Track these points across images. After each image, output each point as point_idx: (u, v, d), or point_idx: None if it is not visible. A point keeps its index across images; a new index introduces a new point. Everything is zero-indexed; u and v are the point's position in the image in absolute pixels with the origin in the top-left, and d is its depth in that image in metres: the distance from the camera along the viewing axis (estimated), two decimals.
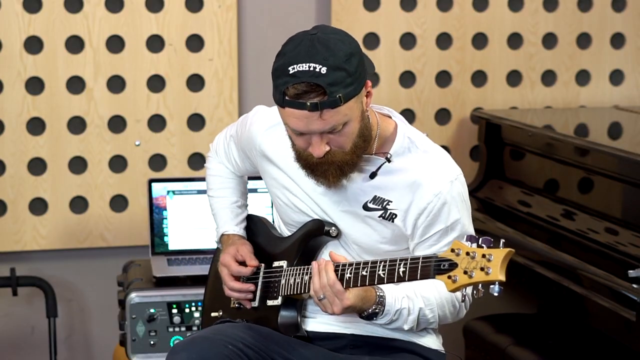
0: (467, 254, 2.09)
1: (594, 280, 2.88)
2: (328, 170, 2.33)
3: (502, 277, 2.05)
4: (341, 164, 2.32)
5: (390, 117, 2.46)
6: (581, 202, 3.25)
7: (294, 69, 2.21)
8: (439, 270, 2.13)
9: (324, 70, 2.20)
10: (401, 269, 2.21)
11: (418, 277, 2.18)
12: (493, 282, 2.06)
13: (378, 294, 2.35)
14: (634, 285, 2.74)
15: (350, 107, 2.25)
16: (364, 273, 2.27)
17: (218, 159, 2.76)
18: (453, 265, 2.10)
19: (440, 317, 2.44)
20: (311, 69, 2.20)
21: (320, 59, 2.21)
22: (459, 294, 2.16)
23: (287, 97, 2.23)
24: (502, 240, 2.09)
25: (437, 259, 2.14)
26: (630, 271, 2.76)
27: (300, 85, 2.21)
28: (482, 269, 2.06)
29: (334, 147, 2.30)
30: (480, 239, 2.10)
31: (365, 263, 2.28)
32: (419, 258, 2.18)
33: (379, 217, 2.41)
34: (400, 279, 2.22)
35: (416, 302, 2.39)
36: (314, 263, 2.34)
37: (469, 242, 2.10)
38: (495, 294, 2.07)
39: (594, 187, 3.24)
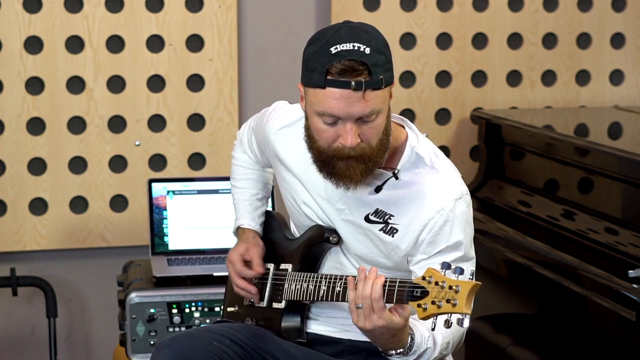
0: (437, 283, 2.07)
1: (594, 280, 2.88)
2: (354, 166, 2.27)
3: (468, 310, 2.04)
4: (367, 160, 2.27)
5: (403, 127, 2.42)
6: (581, 202, 3.25)
7: (336, 49, 2.19)
8: (412, 296, 2.11)
9: (367, 50, 2.19)
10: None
11: (394, 301, 2.15)
12: (460, 314, 2.04)
13: (411, 339, 2.25)
14: (634, 285, 2.74)
15: (385, 95, 2.24)
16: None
17: (242, 148, 2.74)
18: (425, 293, 2.09)
19: (451, 348, 2.37)
20: (355, 48, 2.19)
21: (364, 40, 2.20)
22: (429, 322, 2.12)
23: (329, 77, 2.20)
24: (470, 270, 2.08)
25: (411, 285, 2.12)
26: (630, 271, 2.76)
27: (345, 61, 2.19)
28: (448, 300, 2.05)
29: (362, 142, 2.26)
30: (453, 266, 2.08)
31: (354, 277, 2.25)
32: (396, 281, 2.16)
33: (380, 230, 2.38)
34: None
35: (437, 340, 2.31)
36: (361, 267, 2.24)
37: (442, 270, 2.08)
38: (465, 327, 2.06)
39: (594, 187, 3.24)
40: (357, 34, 2.22)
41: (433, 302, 2.07)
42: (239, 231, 2.68)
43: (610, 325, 2.80)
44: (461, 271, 2.07)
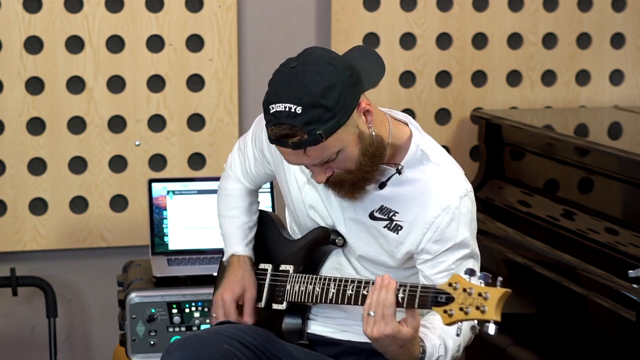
0: (464, 289, 2.07)
1: (594, 280, 2.88)
2: (340, 189, 2.32)
3: (498, 317, 2.04)
4: (350, 182, 2.31)
5: (406, 124, 2.42)
6: (581, 202, 3.25)
7: (272, 108, 2.21)
8: (436, 302, 2.11)
9: (299, 110, 2.17)
10: (399, 295, 2.18)
11: (415, 306, 2.16)
12: (488, 321, 2.05)
13: (422, 347, 2.27)
14: (634, 285, 2.74)
15: (337, 139, 2.22)
16: (365, 292, 2.26)
17: (233, 176, 2.72)
18: (450, 299, 2.09)
19: (461, 350, 2.38)
20: (287, 109, 2.18)
21: (295, 98, 2.18)
22: (455, 327, 2.13)
23: (271, 136, 2.24)
24: (499, 279, 2.08)
25: (435, 291, 2.12)
26: (630, 271, 2.76)
27: (279, 127, 2.20)
28: (477, 307, 2.05)
29: (337, 170, 2.29)
30: (479, 273, 2.08)
31: (367, 282, 2.27)
32: (417, 286, 2.16)
33: (384, 227, 2.39)
34: (399, 305, 2.19)
35: (449, 344, 2.32)
36: (377, 278, 2.25)
37: (468, 276, 2.08)
38: (491, 333, 2.06)
39: (594, 187, 3.24)
40: (291, 89, 2.19)
41: (461, 309, 2.07)
42: (232, 259, 2.63)
43: (610, 325, 2.80)
44: (485, 278, 2.08)
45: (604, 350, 2.95)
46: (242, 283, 2.57)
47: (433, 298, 2.12)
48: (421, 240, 2.36)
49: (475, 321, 2.07)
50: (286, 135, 2.20)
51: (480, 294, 2.06)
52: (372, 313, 2.20)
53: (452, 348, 2.31)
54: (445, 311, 2.09)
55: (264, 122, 2.54)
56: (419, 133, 2.41)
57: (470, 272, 2.09)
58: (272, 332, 2.50)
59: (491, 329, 2.05)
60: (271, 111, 2.21)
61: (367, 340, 2.42)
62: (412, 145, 2.38)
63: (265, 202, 3.45)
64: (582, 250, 3.05)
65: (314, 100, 2.18)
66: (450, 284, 2.10)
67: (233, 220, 2.69)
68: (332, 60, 2.22)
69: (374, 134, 2.29)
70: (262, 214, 2.73)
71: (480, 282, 2.08)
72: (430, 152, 2.39)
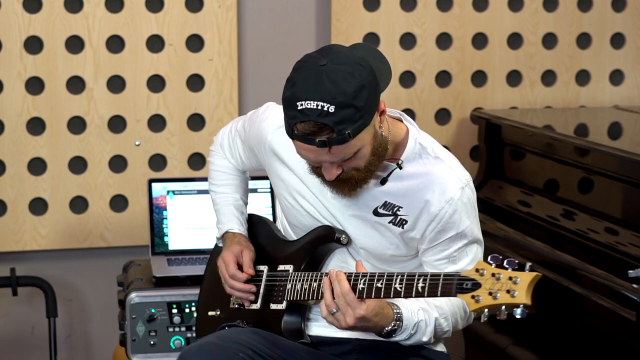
0: (493, 275, 2.09)
1: (594, 280, 2.88)
2: (343, 187, 2.34)
3: (528, 301, 2.06)
4: (356, 180, 2.32)
5: (401, 121, 2.45)
6: (581, 202, 3.25)
7: (302, 105, 2.18)
8: (461, 289, 2.12)
9: (332, 109, 2.17)
10: (420, 285, 2.20)
11: (438, 294, 2.17)
12: (517, 305, 2.06)
13: (395, 310, 2.33)
14: (634, 285, 2.74)
15: (360, 138, 2.23)
16: (379, 285, 2.26)
17: (222, 154, 2.75)
18: (476, 285, 2.10)
19: (453, 324, 2.43)
20: (319, 107, 2.17)
21: (328, 97, 2.17)
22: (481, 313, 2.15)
23: (295, 132, 2.22)
24: (528, 264, 2.10)
25: (460, 278, 2.13)
26: (630, 271, 2.76)
27: (308, 124, 2.19)
28: (507, 291, 2.07)
29: (347, 169, 2.30)
30: (505, 260, 2.10)
31: (381, 275, 2.27)
32: (439, 275, 2.18)
33: (389, 222, 2.40)
34: (419, 294, 2.20)
35: (431, 312, 2.38)
36: (325, 278, 2.31)
37: (492, 263, 2.10)
38: (518, 317, 2.08)
39: (594, 187, 3.24)
40: (324, 87, 2.17)
41: (490, 293, 2.08)
42: (226, 235, 2.67)
43: (610, 325, 2.80)
44: (512, 264, 2.09)
45: (604, 350, 2.95)
46: (240, 245, 2.62)
47: (458, 285, 2.13)
48: (424, 231, 2.38)
49: (503, 307, 2.08)
50: (314, 132, 2.19)
51: (510, 278, 2.08)
52: (334, 310, 2.27)
53: (438, 316, 2.38)
54: (472, 297, 2.10)
55: (263, 123, 2.55)
56: (415, 128, 2.44)
57: (495, 259, 2.11)
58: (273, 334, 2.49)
59: (518, 313, 2.07)
60: (299, 107, 2.18)
61: (375, 337, 2.43)
62: (410, 140, 2.40)
63: (265, 202, 3.45)
64: (582, 250, 3.05)
65: (346, 100, 2.18)
66: (477, 270, 2.12)
67: (225, 195, 2.74)
68: (359, 60, 2.23)
69: (383, 133, 2.32)
70: (254, 217, 2.74)
71: (508, 268, 2.09)
72: (428, 146, 2.42)
